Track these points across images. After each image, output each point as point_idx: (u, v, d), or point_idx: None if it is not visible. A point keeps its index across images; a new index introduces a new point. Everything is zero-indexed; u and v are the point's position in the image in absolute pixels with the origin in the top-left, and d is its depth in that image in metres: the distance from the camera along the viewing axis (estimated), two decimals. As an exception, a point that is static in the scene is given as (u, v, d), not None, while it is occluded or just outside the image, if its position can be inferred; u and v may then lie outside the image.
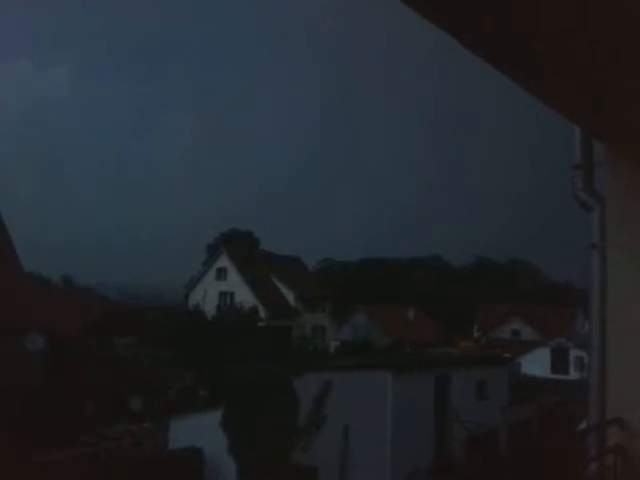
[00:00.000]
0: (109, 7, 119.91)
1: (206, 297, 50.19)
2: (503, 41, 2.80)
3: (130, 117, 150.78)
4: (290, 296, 58.83)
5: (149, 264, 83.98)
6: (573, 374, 37.19)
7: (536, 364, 38.91)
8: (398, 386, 18.70)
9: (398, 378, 18.94)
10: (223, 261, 58.16)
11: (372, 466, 17.60)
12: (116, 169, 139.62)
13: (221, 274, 57.64)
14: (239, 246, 64.14)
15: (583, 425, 6.36)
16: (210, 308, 45.86)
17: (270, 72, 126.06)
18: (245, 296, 51.55)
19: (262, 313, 48.97)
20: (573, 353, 40.51)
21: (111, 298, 57.28)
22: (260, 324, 44.81)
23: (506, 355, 33.07)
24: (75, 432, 22.94)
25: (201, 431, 19.08)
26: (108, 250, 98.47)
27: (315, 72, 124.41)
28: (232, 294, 53.77)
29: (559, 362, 40.67)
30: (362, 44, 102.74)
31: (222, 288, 55.50)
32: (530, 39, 2.77)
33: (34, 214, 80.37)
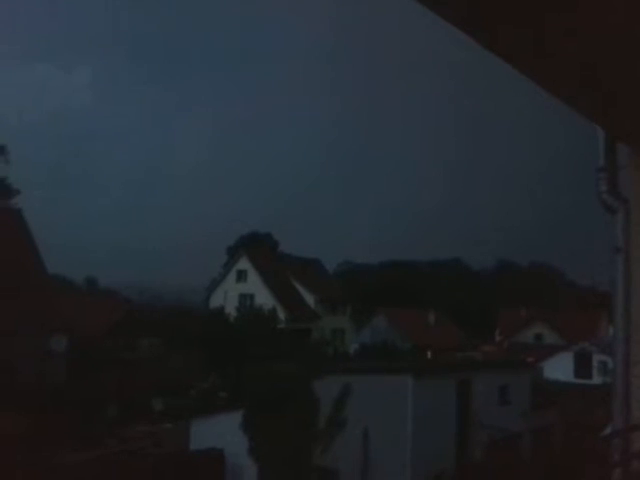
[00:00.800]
0: (132, 9, 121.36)
1: (227, 299, 50.44)
2: (522, 41, 2.79)
3: (151, 120, 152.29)
4: (310, 299, 58.91)
5: (170, 266, 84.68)
6: (596, 379, 36.65)
7: (559, 369, 38.40)
8: (419, 390, 18.61)
9: (419, 382, 18.86)
10: (243, 263, 58.46)
11: (392, 470, 17.54)
12: (138, 172, 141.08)
13: (241, 276, 57.94)
14: (259, 248, 64.43)
15: (607, 431, 6.29)
16: (230, 310, 46.11)
17: (286, 74, 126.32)
18: (265, 298, 51.74)
19: (282, 315, 49.09)
20: (596, 358, 39.89)
21: (134, 300, 57.91)
22: (279, 326, 44.91)
23: (528, 359, 32.74)
24: (97, 432, 23.22)
25: (222, 432, 19.19)
26: (131, 252, 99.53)
27: (330, 71, 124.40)
28: (252, 296, 54.00)
29: (582, 367, 40.08)
30: (377, 40, 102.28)
31: (242, 290, 55.77)
32: (551, 38, 2.76)
33: (57, 216, 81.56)
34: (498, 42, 2.79)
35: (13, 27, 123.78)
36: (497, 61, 2.89)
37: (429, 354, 48.51)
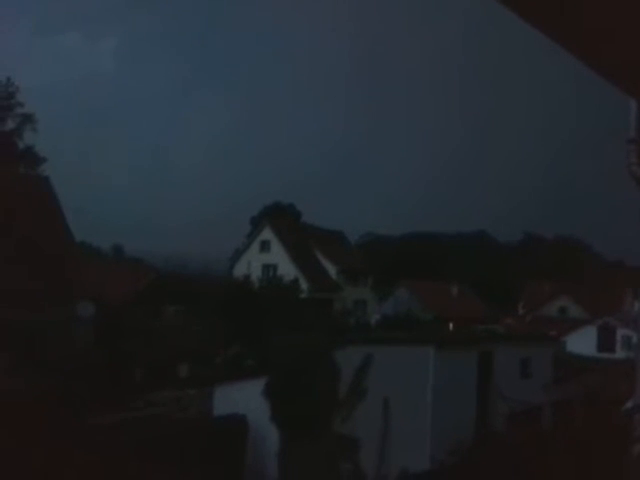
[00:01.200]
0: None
1: (250, 269, 50.86)
2: (555, 8, 2.72)
3: (174, 91, 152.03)
4: (332, 269, 59.09)
5: (195, 236, 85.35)
6: (620, 353, 36.38)
7: (582, 342, 38.16)
8: (440, 361, 18.69)
9: (440, 353, 18.93)
10: (266, 234, 58.73)
11: (412, 439, 17.73)
12: (163, 141, 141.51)
13: (264, 247, 58.27)
14: (282, 219, 64.59)
15: (629, 405, 6.26)
16: (254, 280, 46.53)
17: (301, 48, 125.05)
18: (288, 269, 52.05)
19: (304, 286, 49.38)
20: (620, 332, 39.57)
21: (159, 268, 58.68)
22: (302, 297, 45.23)
23: (551, 333, 32.59)
24: (124, 397, 23.81)
25: (245, 399, 19.53)
26: (156, 221, 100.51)
27: (340, 44, 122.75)
28: (275, 266, 54.36)
29: (606, 341, 39.80)
30: (387, 11, 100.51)
31: (265, 260, 56.15)
32: (582, 6, 2.68)
33: (84, 185, 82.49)
34: (533, 10, 2.72)
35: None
36: (525, 26, 2.82)
37: (451, 326, 48.52)
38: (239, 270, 54.02)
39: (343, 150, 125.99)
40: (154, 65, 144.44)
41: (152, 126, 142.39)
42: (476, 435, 18.35)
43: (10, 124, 47.09)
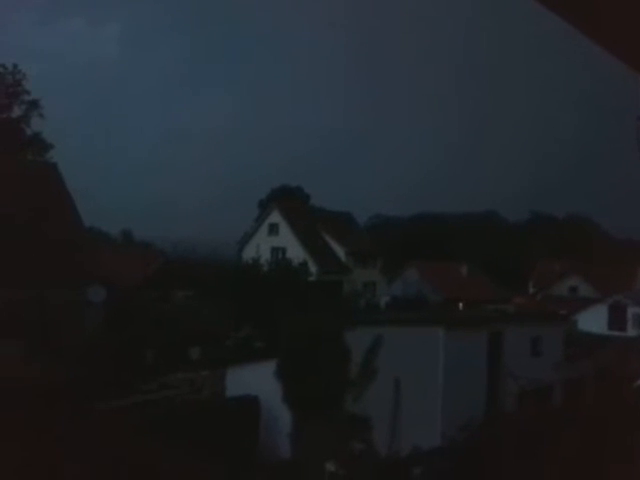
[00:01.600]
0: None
1: (259, 252, 50.96)
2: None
3: (180, 75, 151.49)
4: (341, 252, 59.09)
5: (203, 220, 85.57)
6: (631, 331, 36.32)
7: (593, 321, 38.11)
8: (450, 342, 18.75)
9: (450, 334, 18.97)
10: (275, 217, 58.71)
11: (423, 418, 17.86)
12: (169, 125, 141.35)
13: (273, 230, 58.30)
14: (290, 202, 64.49)
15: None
16: (263, 263, 46.63)
17: (303, 37, 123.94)
18: (296, 251, 52.08)
19: (313, 268, 49.41)
20: (631, 310, 39.47)
21: (168, 252, 58.93)
22: (310, 279, 45.29)
23: (562, 312, 32.54)
24: (137, 380, 24.06)
25: (257, 380, 19.71)
26: (165, 206, 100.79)
27: (342, 34, 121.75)
28: (284, 249, 54.41)
29: (616, 319, 39.72)
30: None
31: (274, 243, 56.19)
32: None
33: (92, 171, 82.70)
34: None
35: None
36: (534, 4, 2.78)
37: (461, 306, 48.53)
38: (248, 253, 54.09)
39: (350, 132, 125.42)
40: (159, 49, 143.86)
41: (159, 111, 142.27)
42: (485, 412, 18.46)
43: (17, 111, 47.08)
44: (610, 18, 3.01)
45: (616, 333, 35.73)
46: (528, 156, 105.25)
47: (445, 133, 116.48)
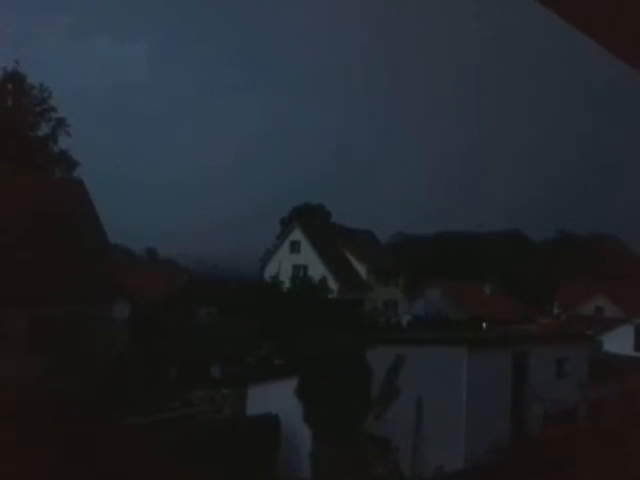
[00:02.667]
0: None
1: (281, 269, 51.10)
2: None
3: (204, 94, 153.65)
4: (362, 270, 58.94)
5: (226, 238, 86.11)
6: (659, 353, 35.50)
7: (619, 342, 37.33)
8: (474, 362, 18.49)
9: (474, 354, 18.73)
10: (296, 234, 58.89)
11: (446, 440, 17.60)
12: (194, 144, 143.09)
13: (294, 247, 58.44)
14: (312, 220, 64.65)
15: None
16: (284, 280, 46.72)
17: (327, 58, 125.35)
18: (318, 269, 52.10)
19: (334, 286, 49.32)
20: (660, 331, 38.66)
21: (191, 270, 59.37)
22: (332, 297, 45.21)
23: (587, 332, 31.95)
24: (159, 397, 24.18)
25: (277, 398, 19.66)
26: (188, 224, 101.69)
27: (365, 53, 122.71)
28: (305, 267, 54.47)
29: (644, 340, 38.88)
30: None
31: (296, 261, 56.30)
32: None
33: (117, 188, 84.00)
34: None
35: (71, 1, 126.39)
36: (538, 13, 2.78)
37: (484, 326, 47.96)
38: (270, 271, 54.29)
39: (372, 150, 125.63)
40: (185, 68, 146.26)
41: (183, 129, 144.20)
42: (511, 435, 18.14)
43: (44, 129, 48.10)
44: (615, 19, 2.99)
45: (644, 355, 34.93)
46: (552, 174, 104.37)
47: (469, 151, 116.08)
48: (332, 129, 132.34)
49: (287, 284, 44.59)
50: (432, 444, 17.54)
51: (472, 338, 24.82)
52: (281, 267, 52.19)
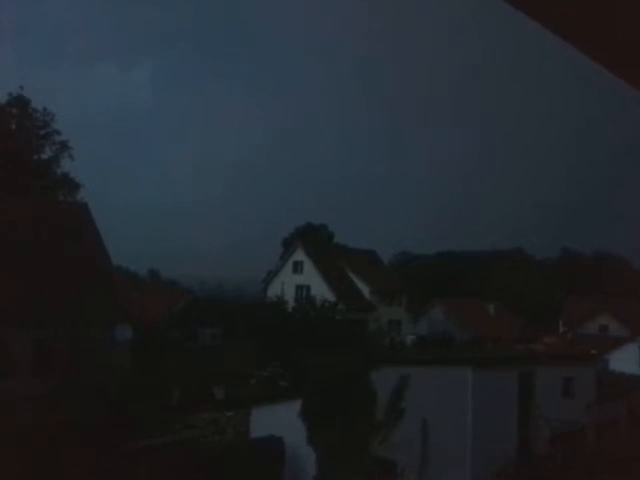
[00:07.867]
0: (190, 8, 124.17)
1: (283, 290, 50.98)
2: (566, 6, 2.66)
3: (206, 116, 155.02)
4: (365, 290, 58.77)
5: (229, 258, 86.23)
6: (666, 372, 35.16)
7: (624, 360, 37.06)
8: (479, 382, 18.33)
9: (479, 374, 18.58)
10: (299, 255, 58.83)
11: (452, 462, 17.40)
12: (196, 167, 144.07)
13: (297, 268, 58.35)
14: (315, 240, 64.63)
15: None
16: (287, 301, 46.54)
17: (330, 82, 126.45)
18: (321, 289, 51.93)
19: (337, 306, 49.09)
20: (665, 349, 38.37)
21: (195, 291, 59.31)
22: (336, 317, 45.01)
23: (593, 351, 31.74)
24: (162, 420, 23.98)
25: (281, 420, 19.49)
26: (191, 245, 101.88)
27: (367, 79, 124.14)
28: (308, 287, 54.32)
29: (650, 359, 38.55)
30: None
31: (299, 281, 56.16)
32: (593, 5, 2.64)
33: (120, 211, 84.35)
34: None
35: (75, 28, 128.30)
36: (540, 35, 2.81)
37: (489, 345, 47.63)
38: (272, 291, 54.16)
39: (374, 170, 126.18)
40: (187, 93, 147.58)
41: (185, 152, 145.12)
42: (518, 456, 17.92)
43: (48, 152, 48.44)
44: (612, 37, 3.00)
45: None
46: (555, 192, 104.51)
47: (472, 171, 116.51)
48: (336, 151, 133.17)
49: (290, 304, 44.43)
50: (438, 466, 17.34)
51: (477, 358, 24.64)
52: (284, 287, 52.08)
